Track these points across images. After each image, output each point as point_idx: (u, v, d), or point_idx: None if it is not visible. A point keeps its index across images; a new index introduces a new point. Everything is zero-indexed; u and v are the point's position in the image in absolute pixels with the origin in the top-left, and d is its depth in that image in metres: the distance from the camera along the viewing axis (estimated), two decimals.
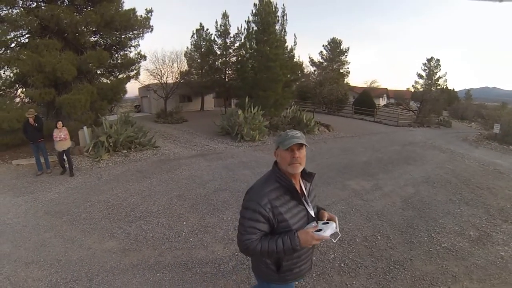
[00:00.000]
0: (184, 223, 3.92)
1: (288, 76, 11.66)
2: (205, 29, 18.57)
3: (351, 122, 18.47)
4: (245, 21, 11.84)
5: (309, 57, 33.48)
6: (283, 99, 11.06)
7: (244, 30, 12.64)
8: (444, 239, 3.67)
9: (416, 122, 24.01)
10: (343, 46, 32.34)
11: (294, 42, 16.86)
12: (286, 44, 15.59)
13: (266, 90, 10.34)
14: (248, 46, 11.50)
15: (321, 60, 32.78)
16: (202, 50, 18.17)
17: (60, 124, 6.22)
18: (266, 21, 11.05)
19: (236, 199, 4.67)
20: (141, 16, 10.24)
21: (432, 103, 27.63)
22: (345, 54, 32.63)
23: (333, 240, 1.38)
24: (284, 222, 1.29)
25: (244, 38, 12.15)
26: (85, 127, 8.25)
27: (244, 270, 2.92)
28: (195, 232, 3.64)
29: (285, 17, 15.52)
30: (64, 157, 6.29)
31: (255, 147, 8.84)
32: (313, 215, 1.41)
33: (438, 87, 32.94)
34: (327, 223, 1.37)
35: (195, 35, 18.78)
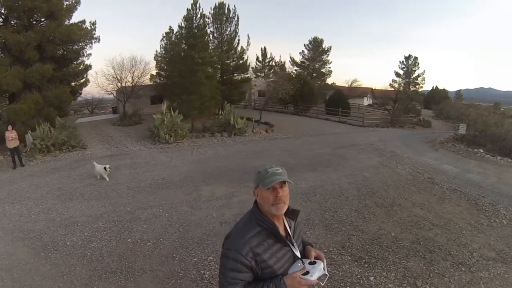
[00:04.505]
0: (40, 206, 5.38)
1: (218, 78, 12.49)
2: (174, 32, 19.93)
3: (309, 123, 18.70)
4: (178, 26, 13.06)
5: (290, 57, 34.35)
6: (211, 101, 12.04)
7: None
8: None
9: (389, 122, 24.01)
10: (325, 45, 32.97)
11: (247, 42, 17.84)
12: (240, 45, 16.61)
13: (192, 94, 11.41)
14: (176, 51, 12.56)
15: (303, 60, 33.62)
16: (172, 53, 19.60)
17: (10, 127, 8.21)
18: (196, 26, 12.04)
19: (92, 192, 6.05)
20: (87, 28, 11.82)
21: (407, 103, 27.79)
22: (327, 53, 33.28)
23: (321, 283, 1.27)
24: (268, 268, 1.21)
25: (174, 42, 13.11)
26: (29, 132, 9.90)
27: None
28: (36, 214, 5.08)
29: (235, 17, 16.69)
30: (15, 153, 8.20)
31: (166, 149, 10.03)
32: (299, 255, 1.32)
33: (417, 86, 33.15)
34: (314, 262, 1.28)
35: (164, 39, 20.22)
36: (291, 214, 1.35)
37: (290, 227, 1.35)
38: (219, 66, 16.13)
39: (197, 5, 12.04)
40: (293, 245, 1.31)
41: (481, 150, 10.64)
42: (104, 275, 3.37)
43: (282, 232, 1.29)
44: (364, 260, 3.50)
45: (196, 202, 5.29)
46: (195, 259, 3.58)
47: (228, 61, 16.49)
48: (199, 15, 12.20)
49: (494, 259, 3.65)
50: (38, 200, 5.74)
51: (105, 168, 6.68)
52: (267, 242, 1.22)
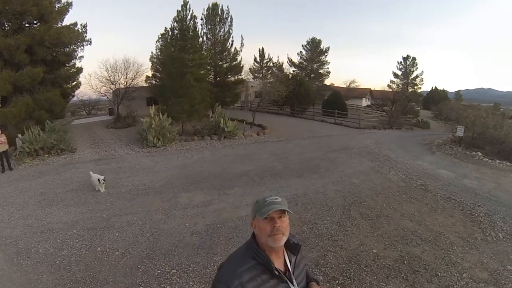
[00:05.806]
0: (21, 211, 5.47)
1: (211, 79, 12.38)
2: (169, 34, 19.98)
3: (303, 124, 18.57)
4: (170, 28, 13.09)
5: (288, 58, 34.21)
6: (201, 103, 11.99)
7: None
8: None
9: (387, 123, 23.87)
10: (323, 45, 32.85)
11: (241, 43, 17.73)
12: (234, 46, 16.64)
13: (181, 96, 11.37)
14: (167, 53, 12.63)
15: (301, 61, 33.53)
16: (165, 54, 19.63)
17: None
18: (186, 27, 12.04)
19: (72, 197, 6.15)
20: (78, 30, 11.91)
21: (405, 104, 27.67)
22: (325, 54, 33.16)
23: None
24: None
25: (164, 44, 13.15)
26: (19, 135, 9.97)
27: None
28: (16, 219, 5.14)
29: (228, 18, 16.71)
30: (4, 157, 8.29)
31: (153, 153, 10.06)
32: None
33: (415, 86, 33.02)
34: None
35: (160, 40, 20.25)
36: (292, 247, 1.27)
37: (290, 262, 1.26)
38: (211, 68, 16.14)
39: (187, 6, 12.04)
40: (291, 282, 1.20)
41: (479, 153, 10.31)
42: (68, 284, 3.44)
43: (281, 267, 1.21)
44: (337, 282, 3.20)
45: (171, 210, 5.29)
46: (159, 271, 3.59)
47: (221, 63, 16.50)
48: (189, 16, 12.20)
49: (486, 281, 3.29)
50: (19, 205, 5.83)
51: (98, 180, 6.42)
52: (261, 278, 1.13)
